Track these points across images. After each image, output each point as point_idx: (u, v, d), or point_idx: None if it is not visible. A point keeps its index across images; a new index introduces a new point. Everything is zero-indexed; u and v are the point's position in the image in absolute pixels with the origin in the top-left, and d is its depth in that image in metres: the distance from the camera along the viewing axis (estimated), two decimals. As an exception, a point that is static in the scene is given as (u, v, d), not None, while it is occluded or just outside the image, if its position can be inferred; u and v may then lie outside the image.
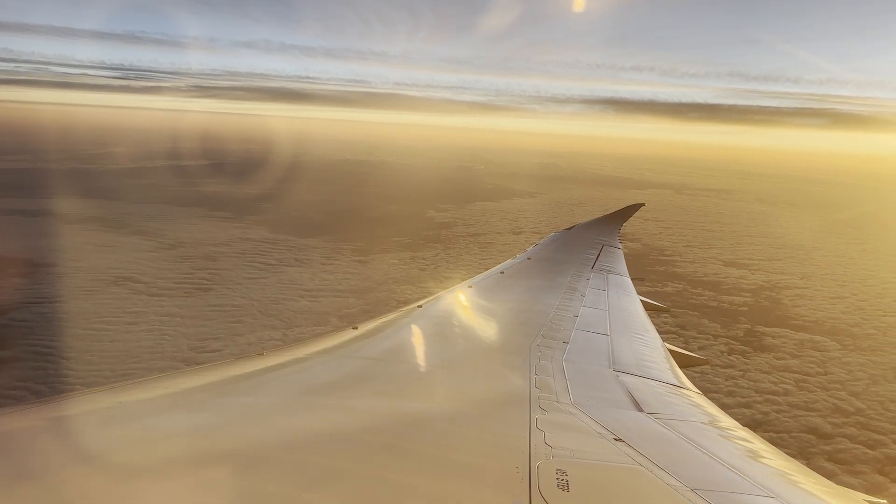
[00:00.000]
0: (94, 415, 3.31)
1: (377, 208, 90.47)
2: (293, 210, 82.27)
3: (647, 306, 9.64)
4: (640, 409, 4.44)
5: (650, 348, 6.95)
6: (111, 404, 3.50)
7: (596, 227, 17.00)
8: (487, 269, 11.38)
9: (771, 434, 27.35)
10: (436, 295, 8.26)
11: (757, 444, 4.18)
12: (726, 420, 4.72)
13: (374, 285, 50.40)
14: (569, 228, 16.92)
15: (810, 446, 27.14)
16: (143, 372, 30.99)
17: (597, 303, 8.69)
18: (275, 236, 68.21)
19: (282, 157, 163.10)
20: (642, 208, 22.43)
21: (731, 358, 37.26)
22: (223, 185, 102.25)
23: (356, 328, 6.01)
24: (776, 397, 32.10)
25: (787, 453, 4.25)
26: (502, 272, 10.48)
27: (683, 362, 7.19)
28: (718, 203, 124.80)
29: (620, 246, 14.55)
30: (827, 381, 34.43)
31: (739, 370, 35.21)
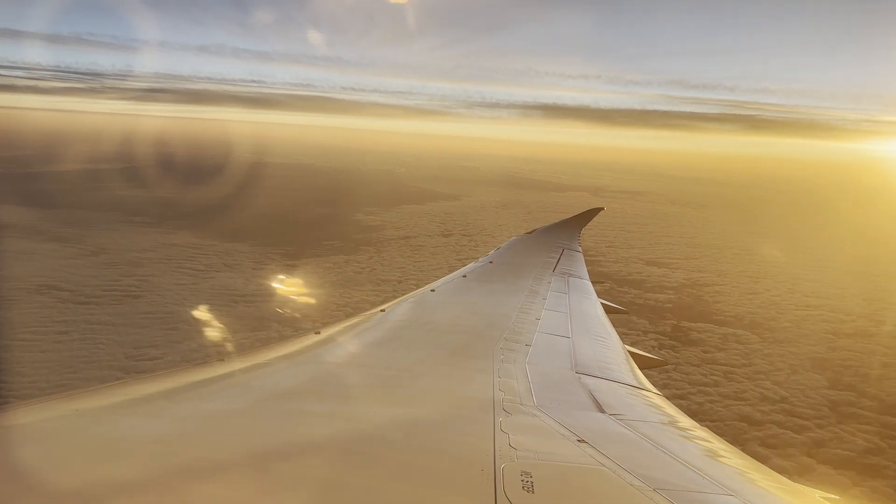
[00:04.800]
0: (48, 424, 3.20)
1: (303, 212, 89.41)
2: (217, 214, 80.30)
3: (606, 308, 9.75)
4: (603, 411, 4.48)
5: (611, 350, 7.05)
6: (66, 412, 3.38)
7: (556, 231, 17.05)
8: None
9: (707, 423, 28.72)
10: (398, 299, 8.28)
11: (715, 443, 4.27)
12: (685, 420, 4.82)
13: (310, 289, 50.03)
14: (529, 232, 16.93)
15: (743, 433, 28.81)
16: (80, 382, 29.93)
17: (558, 306, 8.75)
18: (200, 241, 66.52)
19: (212, 161, 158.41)
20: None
21: (661, 353, 38.81)
22: (144, 190, 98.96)
23: (318, 333, 5.95)
24: (708, 388, 33.82)
25: (725, 441, 4.43)
26: (464, 276, 10.47)
27: (643, 364, 7.29)
28: (634, 204, 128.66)
29: (580, 249, 14.61)
30: (752, 371, 36.46)
31: (671, 364, 36.84)
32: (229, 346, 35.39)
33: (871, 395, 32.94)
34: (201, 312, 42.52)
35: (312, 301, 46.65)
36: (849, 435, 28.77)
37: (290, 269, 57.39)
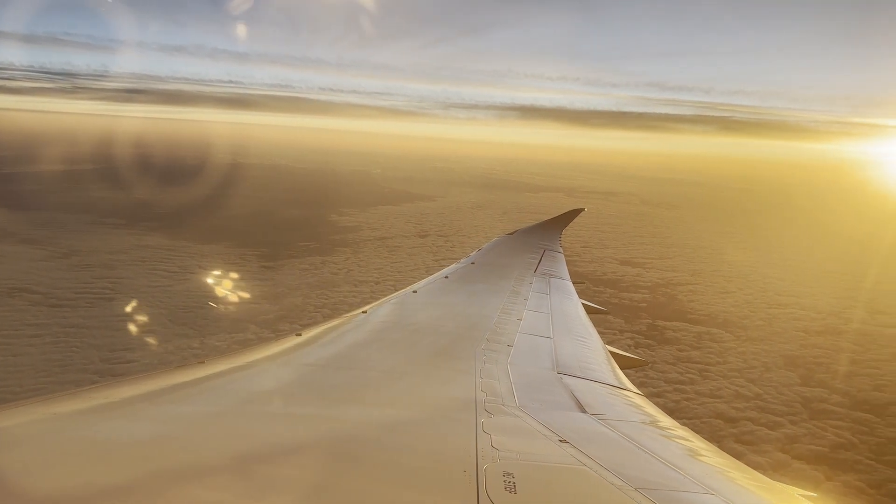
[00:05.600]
0: (25, 428, 3.15)
1: (278, 213, 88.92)
2: (191, 216, 79.56)
3: (588, 309, 9.70)
4: (584, 411, 4.49)
5: (592, 350, 7.02)
6: (44, 416, 3.33)
7: (537, 232, 16.99)
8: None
9: (684, 421, 29.09)
10: (380, 300, 8.22)
11: (696, 442, 4.29)
12: (666, 420, 4.83)
13: (287, 291, 49.70)
14: (511, 233, 16.82)
15: (719, 430, 29.28)
16: (55, 386, 29.54)
17: (540, 306, 8.71)
18: (173, 243, 65.87)
19: (188, 162, 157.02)
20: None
21: (637, 351, 39.24)
22: (117, 191, 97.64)
23: (300, 335, 5.90)
24: (684, 386, 34.30)
25: (705, 440, 4.50)
26: (446, 277, 10.39)
27: (624, 364, 7.27)
28: (607, 205, 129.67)
29: (561, 250, 14.57)
30: (726, 369, 37.02)
31: (649, 363, 37.28)
32: (206, 349, 35.09)
33: (841, 392, 33.67)
34: (177, 314, 42.10)
35: (286, 303, 46.35)
36: (821, 431, 29.38)
37: (266, 270, 56.98)
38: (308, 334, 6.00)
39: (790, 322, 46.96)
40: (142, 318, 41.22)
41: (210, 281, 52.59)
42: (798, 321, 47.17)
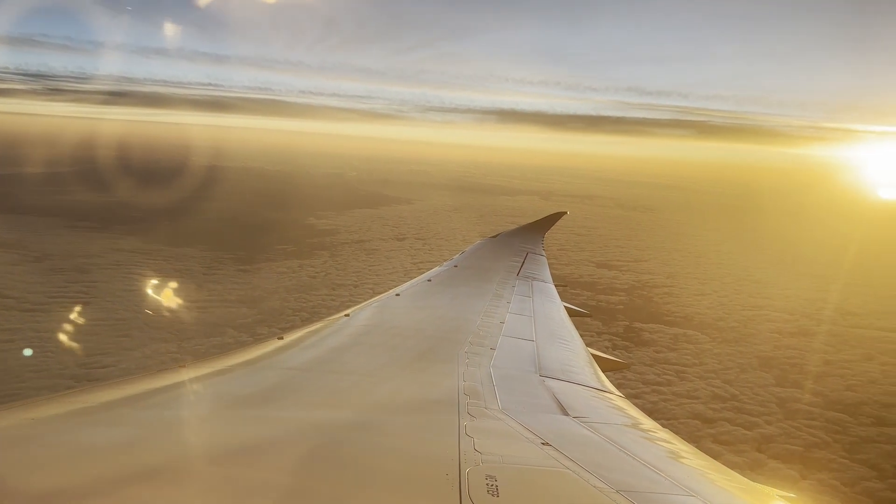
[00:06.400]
0: (2, 432, 3.09)
1: (254, 216, 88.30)
2: (166, 219, 78.74)
3: (570, 312, 9.72)
4: (566, 414, 4.50)
5: (574, 353, 7.04)
6: (22, 421, 3.28)
7: (520, 235, 16.99)
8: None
9: (662, 422, 29.44)
10: (363, 304, 8.19)
11: (677, 444, 4.29)
12: (648, 422, 4.84)
13: (265, 294, 49.49)
14: (494, 236, 16.82)
15: (697, 430, 29.68)
16: (30, 392, 29.09)
17: (522, 309, 8.72)
18: (148, 247, 65.27)
19: (164, 165, 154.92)
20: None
21: (615, 353, 39.54)
22: (91, 194, 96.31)
23: (282, 338, 5.88)
24: (661, 387, 34.72)
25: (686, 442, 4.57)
26: (429, 280, 10.40)
27: (605, 366, 7.29)
28: (583, 208, 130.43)
29: (544, 253, 14.63)
30: (703, 370, 37.53)
31: (628, 365, 37.65)
32: (184, 353, 34.78)
33: (815, 392, 34.28)
34: (153, 319, 41.66)
35: (264, 307, 46.12)
36: (796, 430, 29.91)
37: (242, 273, 56.61)
38: (290, 338, 5.97)
39: (764, 324, 47.70)
40: (117, 322, 40.77)
41: (187, 285, 52.04)
42: (772, 323, 47.93)
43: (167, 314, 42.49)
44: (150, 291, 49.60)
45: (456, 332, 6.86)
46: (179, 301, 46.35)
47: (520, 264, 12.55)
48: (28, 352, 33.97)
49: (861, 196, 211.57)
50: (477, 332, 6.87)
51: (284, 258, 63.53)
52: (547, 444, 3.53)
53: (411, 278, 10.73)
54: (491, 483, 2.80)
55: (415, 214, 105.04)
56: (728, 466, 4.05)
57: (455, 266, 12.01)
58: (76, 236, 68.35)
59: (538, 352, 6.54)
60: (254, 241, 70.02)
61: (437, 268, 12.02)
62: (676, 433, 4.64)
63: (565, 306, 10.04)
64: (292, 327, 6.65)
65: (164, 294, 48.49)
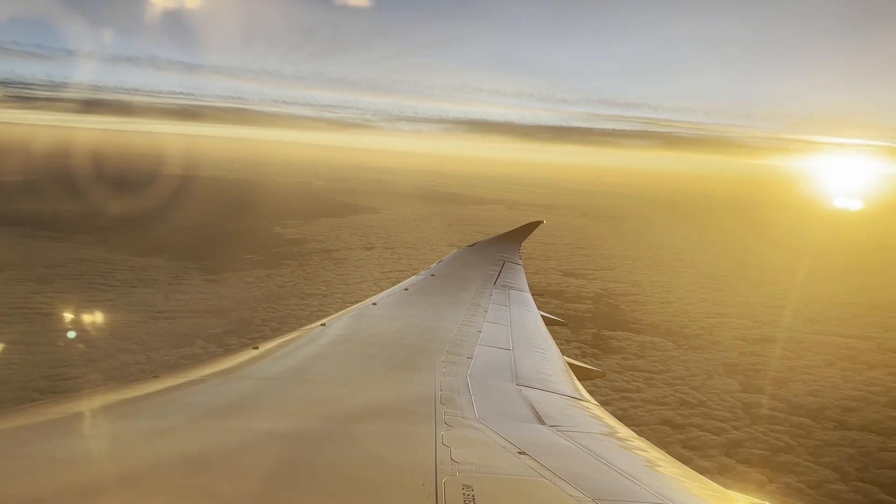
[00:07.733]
0: None
1: (220, 226, 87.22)
2: (130, 228, 77.47)
3: (546, 321, 9.82)
4: (543, 422, 4.50)
5: (551, 362, 7.04)
6: None
7: (497, 244, 17.15)
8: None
9: (633, 428, 29.89)
10: (339, 313, 8.22)
11: (652, 453, 4.32)
12: (624, 430, 4.85)
13: (233, 304, 49.00)
14: (471, 245, 16.98)
15: (667, 436, 30.13)
16: (-7, 405, 28.49)
17: (499, 318, 8.76)
18: (112, 256, 64.14)
19: (131, 174, 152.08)
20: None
21: (585, 361, 39.65)
22: (53, 203, 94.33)
23: (257, 348, 5.86)
24: (630, 394, 35.18)
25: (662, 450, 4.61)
26: (406, 289, 10.40)
27: (582, 375, 7.34)
28: (548, 217, 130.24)
29: (521, 262, 14.75)
30: (670, 377, 38.11)
31: (604, 373, 38.02)
32: (153, 364, 34.31)
33: (779, 397, 35.00)
34: (119, 329, 41.00)
35: (233, 317, 45.69)
36: (762, 435, 30.54)
37: (209, 283, 55.97)
38: (265, 347, 5.97)
39: (728, 331, 48.57)
40: (82, 333, 40.08)
41: (153, 295, 51.32)
42: (736, 330, 48.80)
43: (132, 325, 41.89)
44: (112, 302, 48.68)
45: (433, 342, 6.88)
46: (146, 311, 45.76)
47: (497, 273, 12.62)
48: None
49: (818, 205, 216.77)
50: (454, 342, 6.91)
51: (251, 268, 62.97)
52: (524, 453, 3.55)
53: (381, 288, 10.68)
54: (467, 493, 2.80)
55: (383, 223, 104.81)
56: (698, 472, 4.13)
57: (432, 275, 12.09)
58: (38, 246, 66.78)
59: (515, 361, 6.58)
60: (220, 250, 69.18)
61: (414, 276, 12.13)
62: (648, 440, 4.75)
63: (542, 315, 10.10)
64: (262, 337, 6.62)
65: (129, 304, 47.73)
